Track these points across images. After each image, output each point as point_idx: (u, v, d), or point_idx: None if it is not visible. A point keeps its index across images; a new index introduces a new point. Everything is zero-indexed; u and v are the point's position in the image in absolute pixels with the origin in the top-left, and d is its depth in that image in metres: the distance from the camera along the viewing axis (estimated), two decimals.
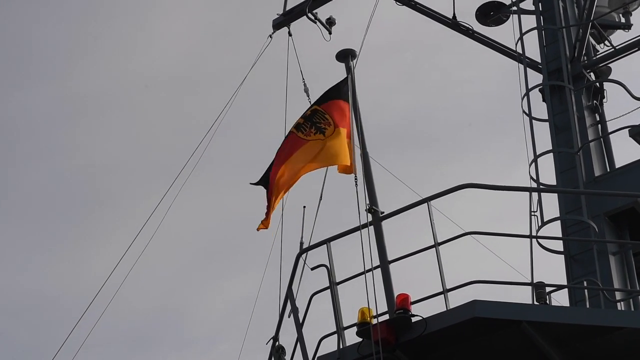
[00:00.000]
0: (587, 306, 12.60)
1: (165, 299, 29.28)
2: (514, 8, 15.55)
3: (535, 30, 14.98)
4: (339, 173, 12.75)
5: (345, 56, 13.09)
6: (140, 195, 29.36)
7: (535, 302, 11.50)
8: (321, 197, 13.09)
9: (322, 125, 12.75)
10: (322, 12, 16.51)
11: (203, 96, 28.84)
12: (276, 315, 12.40)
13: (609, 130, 14.63)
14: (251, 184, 12.94)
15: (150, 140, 30.88)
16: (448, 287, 11.57)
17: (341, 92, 12.89)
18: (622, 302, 12.87)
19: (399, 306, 11.36)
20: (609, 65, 15.34)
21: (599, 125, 14.76)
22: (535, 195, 12.97)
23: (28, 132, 31.47)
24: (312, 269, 12.12)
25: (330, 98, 12.93)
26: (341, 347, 11.72)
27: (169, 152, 28.27)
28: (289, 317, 12.15)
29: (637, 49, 14.71)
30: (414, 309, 11.39)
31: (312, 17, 16.43)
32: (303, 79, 14.90)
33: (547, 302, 11.75)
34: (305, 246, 12.55)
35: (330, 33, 16.31)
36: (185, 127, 28.57)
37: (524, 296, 11.54)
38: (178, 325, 30.85)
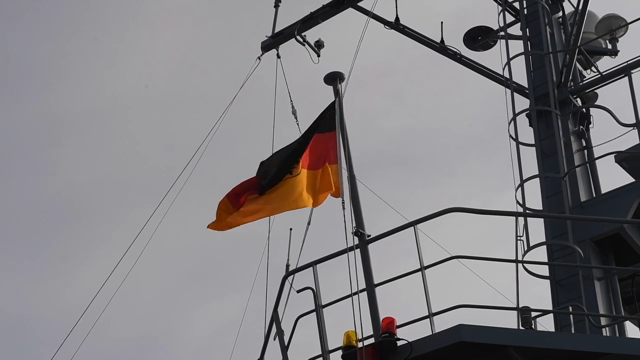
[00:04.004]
0: (573, 331, 12.61)
1: (150, 321, 29.19)
2: (502, 33, 15.62)
3: (523, 56, 15.06)
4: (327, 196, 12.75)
5: (334, 79, 13.10)
6: (124, 216, 29.27)
7: (521, 327, 11.51)
8: (309, 221, 13.11)
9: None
10: (311, 35, 16.60)
11: (191, 117, 28.84)
12: (262, 338, 12.38)
13: (595, 156, 14.69)
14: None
15: (135, 161, 30.83)
16: (434, 310, 11.57)
17: (326, 122, 12.85)
18: (607, 328, 12.89)
19: (385, 330, 11.35)
20: (596, 91, 15.43)
21: (585, 151, 14.82)
22: (521, 219, 12.99)
23: (9, 149, 31.36)
24: (298, 291, 12.11)
25: (313, 133, 12.91)
26: None
27: (155, 173, 28.23)
28: (274, 339, 12.13)
29: (623, 75, 14.77)
30: (400, 333, 11.38)
31: (301, 40, 16.50)
32: (291, 101, 14.96)
33: (533, 327, 11.77)
34: (291, 268, 12.55)
35: (318, 56, 16.38)
36: (172, 148, 28.56)
37: (510, 321, 11.57)
38: (163, 348, 30.73)
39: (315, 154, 12.70)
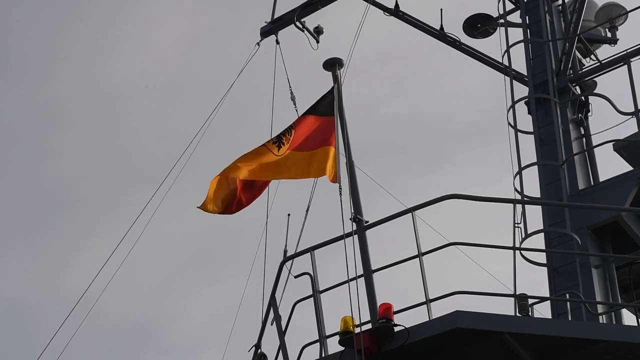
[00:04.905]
0: (569, 319, 12.64)
1: (147, 306, 29.24)
2: (501, 21, 15.62)
3: (522, 43, 15.05)
4: (328, 181, 12.75)
5: (333, 65, 13.10)
6: (122, 202, 29.27)
7: (518, 314, 11.53)
8: (308, 207, 13.11)
9: (284, 140, 12.72)
10: (310, 21, 16.57)
11: (189, 103, 28.83)
12: (259, 323, 12.41)
13: (594, 144, 14.70)
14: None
15: (134, 147, 30.82)
16: (431, 297, 11.59)
17: (325, 107, 12.84)
18: (604, 315, 12.92)
19: (382, 315, 11.37)
20: (595, 79, 15.43)
21: (584, 139, 14.83)
22: (519, 207, 13.02)
23: (8, 137, 31.36)
24: (296, 277, 12.13)
25: (310, 113, 12.88)
26: (323, 355, 11.71)
27: (154, 159, 28.25)
28: (271, 324, 12.15)
29: (622, 63, 14.77)
30: (397, 319, 11.40)
31: (300, 26, 16.48)
32: (290, 87, 14.93)
33: (529, 314, 11.79)
34: (289, 254, 12.56)
35: (317, 42, 16.36)
36: (171, 134, 28.56)
37: (507, 308, 11.59)
38: (160, 333, 30.81)
39: (308, 135, 12.66)
